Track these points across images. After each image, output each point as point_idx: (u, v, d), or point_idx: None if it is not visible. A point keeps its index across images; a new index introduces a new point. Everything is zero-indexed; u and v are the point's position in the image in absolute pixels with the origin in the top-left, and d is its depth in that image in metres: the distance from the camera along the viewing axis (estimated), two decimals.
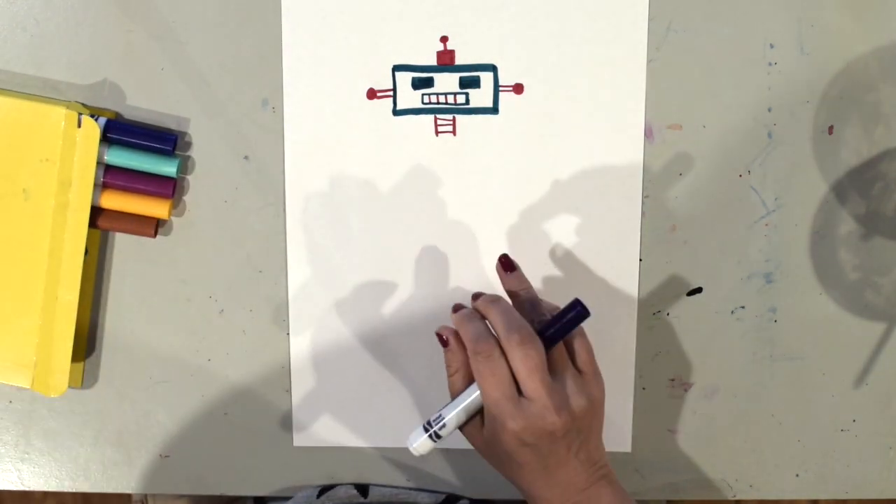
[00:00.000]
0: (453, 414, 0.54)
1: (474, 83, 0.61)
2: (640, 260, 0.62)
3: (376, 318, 0.63)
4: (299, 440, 0.65)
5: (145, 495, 0.75)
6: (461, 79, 0.61)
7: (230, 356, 0.64)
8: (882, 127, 0.61)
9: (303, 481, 0.66)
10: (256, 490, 0.66)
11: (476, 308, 0.55)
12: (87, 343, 0.64)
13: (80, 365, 0.64)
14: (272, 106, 0.62)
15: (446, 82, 0.61)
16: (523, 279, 0.57)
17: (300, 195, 0.62)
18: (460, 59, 0.61)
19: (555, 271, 0.62)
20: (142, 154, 0.61)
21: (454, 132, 0.62)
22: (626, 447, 0.64)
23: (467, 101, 0.61)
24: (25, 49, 0.61)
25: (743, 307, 0.63)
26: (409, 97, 0.61)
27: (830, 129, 0.61)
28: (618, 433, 0.64)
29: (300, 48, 0.61)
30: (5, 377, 0.62)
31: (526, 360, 0.51)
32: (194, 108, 0.62)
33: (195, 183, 0.63)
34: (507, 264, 0.57)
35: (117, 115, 0.62)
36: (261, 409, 0.65)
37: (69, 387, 0.62)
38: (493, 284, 0.62)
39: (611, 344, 0.63)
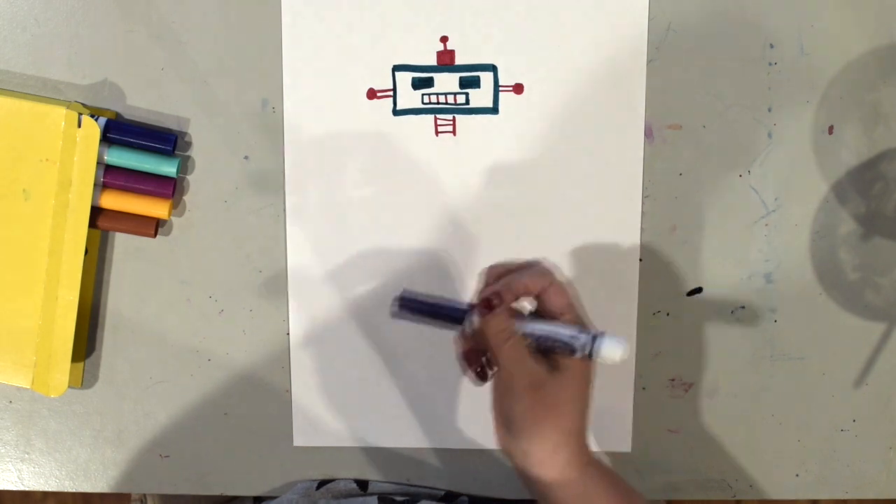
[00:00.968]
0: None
1: (474, 83, 0.61)
2: (640, 260, 0.62)
3: (376, 318, 0.63)
4: (299, 440, 0.65)
5: (145, 495, 0.75)
6: (461, 79, 0.61)
7: (230, 356, 0.64)
8: (882, 127, 0.61)
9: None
10: (256, 490, 0.66)
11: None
12: (87, 343, 0.64)
13: (80, 365, 0.64)
14: (272, 106, 0.62)
15: (446, 82, 0.61)
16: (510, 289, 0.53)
17: (300, 195, 0.62)
18: (460, 59, 0.61)
19: None
20: (142, 154, 0.61)
21: (454, 132, 0.62)
22: (626, 447, 0.64)
23: (467, 101, 0.61)
24: (25, 49, 0.61)
25: (743, 307, 0.63)
26: (409, 97, 0.61)
27: (830, 129, 0.61)
28: (618, 433, 0.64)
29: (300, 48, 0.61)
30: (5, 377, 0.62)
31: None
32: (194, 108, 0.62)
33: (195, 183, 0.63)
34: (487, 304, 0.52)
35: (117, 115, 0.62)
36: (261, 409, 0.65)
37: (69, 387, 0.62)
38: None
39: None
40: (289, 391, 0.64)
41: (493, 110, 0.61)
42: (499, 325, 0.51)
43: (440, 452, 0.65)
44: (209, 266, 0.63)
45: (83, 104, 0.61)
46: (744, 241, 0.62)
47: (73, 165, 0.59)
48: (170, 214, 0.62)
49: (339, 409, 0.64)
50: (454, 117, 0.61)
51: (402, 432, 0.64)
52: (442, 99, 0.61)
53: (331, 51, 0.61)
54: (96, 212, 0.61)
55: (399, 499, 0.64)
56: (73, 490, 0.66)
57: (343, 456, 0.65)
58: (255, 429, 0.65)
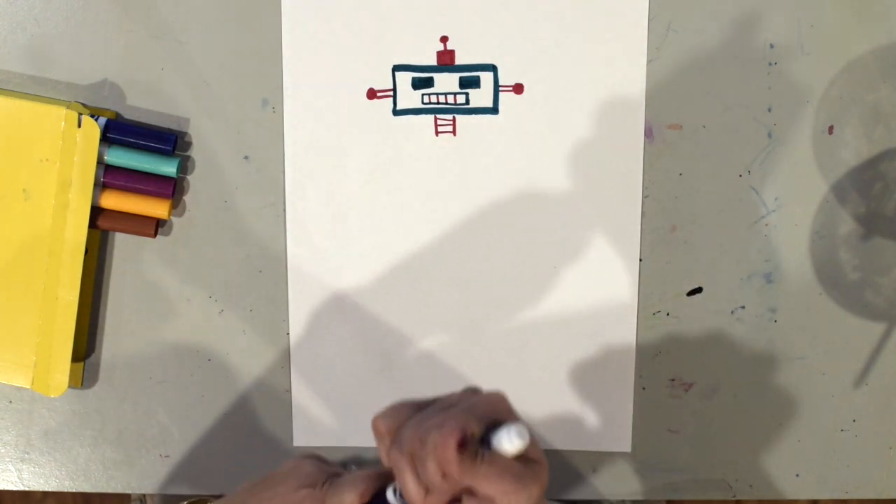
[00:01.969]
0: None
1: (474, 83, 0.61)
2: (640, 260, 0.62)
3: (376, 318, 0.63)
4: (299, 440, 0.65)
5: (145, 495, 0.75)
6: (461, 79, 0.61)
7: (230, 356, 0.64)
8: (882, 127, 0.61)
9: None
10: None
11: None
12: (87, 343, 0.64)
13: (80, 365, 0.64)
14: (272, 106, 0.62)
15: (446, 82, 0.61)
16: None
17: (300, 195, 0.62)
18: (460, 59, 0.61)
19: (555, 271, 0.62)
20: (142, 154, 0.61)
21: (454, 132, 0.62)
22: (626, 447, 0.64)
23: (467, 101, 0.61)
24: (25, 49, 0.61)
25: (743, 307, 0.63)
26: (409, 97, 0.61)
27: (830, 129, 0.61)
28: (618, 433, 0.64)
29: (300, 48, 0.61)
30: (5, 377, 0.62)
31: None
32: (194, 108, 0.62)
33: (195, 183, 0.63)
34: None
35: (117, 115, 0.62)
36: (261, 409, 0.65)
37: (69, 387, 0.62)
38: (492, 284, 0.62)
39: (611, 344, 0.63)
40: (289, 391, 0.64)
41: (493, 110, 0.61)
42: None
43: None
44: (209, 266, 0.63)
45: (83, 104, 0.61)
46: (744, 241, 0.62)
47: (73, 165, 0.59)
48: (170, 214, 0.62)
49: (339, 410, 0.64)
50: (454, 117, 0.61)
51: None
52: (442, 99, 0.61)
53: (331, 51, 0.61)
54: (96, 212, 0.61)
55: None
56: (73, 490, 0.66)
57: (343, 456, 0.65)
58: (255, 429, 0.65)
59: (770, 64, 0.60)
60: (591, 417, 0.64)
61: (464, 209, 0.62)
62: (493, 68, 0.61)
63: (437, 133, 0.62)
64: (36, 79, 0.62)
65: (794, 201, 0.62)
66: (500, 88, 0.61)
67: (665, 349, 0.64)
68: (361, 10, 0.60)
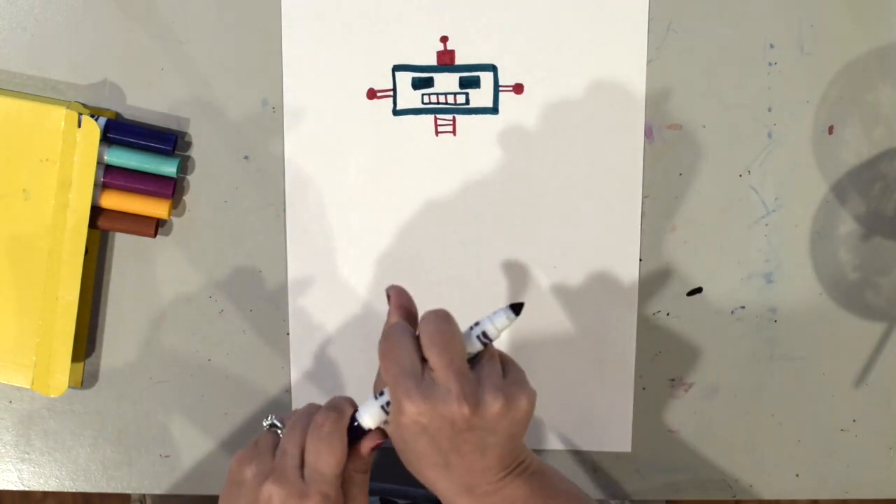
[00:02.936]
0: (367, 408, 0.50)
1: (474, 83, 0.61)
2: (640, 260, 0.62)
3: (376, 318, 0.63)
4: None
5: (145, 495, 0.75)
6: (461, 79, 0.61)
7: (230, 356, 0.64)
8: (882, 127, 0.61)
9: None
10: None
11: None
12: (87, 343, 0.64)
13: (80, 365, 0.64)
14: (272, 106, 0.62)
15: (446, 82, 0.61)
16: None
17: (300, 195, 0.62)
18: (460, 59, 0.61)
19: (555, 271, 0.62)
20: (142, 154, 0.61)
21: (454, 132, 0.62)
22: (626, 447, 0.64)
23: (467, 101, 0.61)
24: (25, 49, 0.61)
25: (743, 307, 0.63)
26: (409, 97, 0.61)
27: (830, 129, 0.61)
28: (618, 433, 0.64)
29: (300, 48, 0.61)
30: (5, 377, 0.62)
31: (437, 336, 0.47)
32: (194, 108, 0.62)
33: (195, 183, 0.63)
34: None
35: (117, 115, 0.62)
36: (261, 409, 0.65)
37: (69, 387, 0.62)
38: (492, 284, 0.62)
39: (611, 344, 0.63)
40: (289, 391, 0.64)
41: (493, 110, 0.61)
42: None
43: None
44: (209, 266, 0.63)
45: (83, 104, 0.61)
46: (744, 241, 0.62)
47: (72, 165, 0.59)
48: (170, 214, 0.62)
49: None
50: (454, 117, 0.61)
51: None
52: (442, 99, 0.61)
53: (331, 51, 0.61)
54: (96, 212, 0.61)
55: (401, 502, 0.64)
56: (73, 490, 0.66)
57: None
58: (255, 429, 0.65)
59: (770, 64, 0.60)
60: (591, 417, 0.64)
61: (464, 209, 0.62)
62: (493, 68, 0.61)
63: (437, 133, 0.62)
64: (36, 79, 0.62)
65: (794, 201, 0.62)
66: (500, 88, 0.61)
67: (665, 349, 0.64)
68: (361, 10, 0.60)
